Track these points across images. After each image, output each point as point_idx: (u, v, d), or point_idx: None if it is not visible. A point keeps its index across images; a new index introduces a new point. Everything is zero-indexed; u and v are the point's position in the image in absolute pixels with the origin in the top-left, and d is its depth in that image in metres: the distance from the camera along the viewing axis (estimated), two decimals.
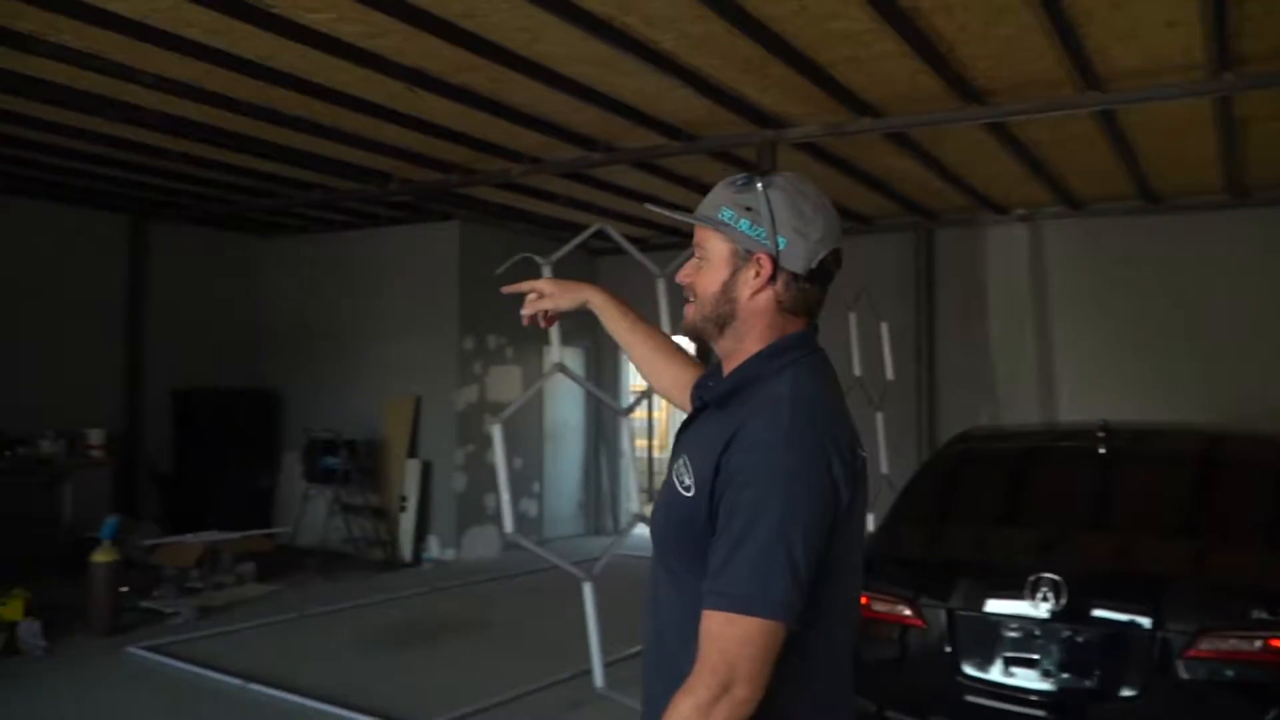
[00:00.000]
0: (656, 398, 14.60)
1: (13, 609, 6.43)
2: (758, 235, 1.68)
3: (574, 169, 7.82)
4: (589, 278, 12.01)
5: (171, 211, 10.07)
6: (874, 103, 6.28)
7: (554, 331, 5.02)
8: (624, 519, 11.24)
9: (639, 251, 6.00)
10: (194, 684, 5.83)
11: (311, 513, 10.00)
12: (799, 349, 1.71)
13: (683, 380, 2.04)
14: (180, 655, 6.27)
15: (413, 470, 10.15)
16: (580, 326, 11.94)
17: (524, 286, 2.16)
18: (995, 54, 5.41)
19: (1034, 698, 3.42)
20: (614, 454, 12.03)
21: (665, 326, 5.67)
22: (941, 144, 7.32)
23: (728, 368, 1.76)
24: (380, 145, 7.41)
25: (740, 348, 1.73)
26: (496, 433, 5.05)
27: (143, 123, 6.76)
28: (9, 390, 8.96)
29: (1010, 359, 9.57)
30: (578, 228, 5.52)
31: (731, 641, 1.51)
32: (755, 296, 1.69)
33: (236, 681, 5.75)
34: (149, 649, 6.40)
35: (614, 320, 2.15)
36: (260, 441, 10.98)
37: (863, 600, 3.64)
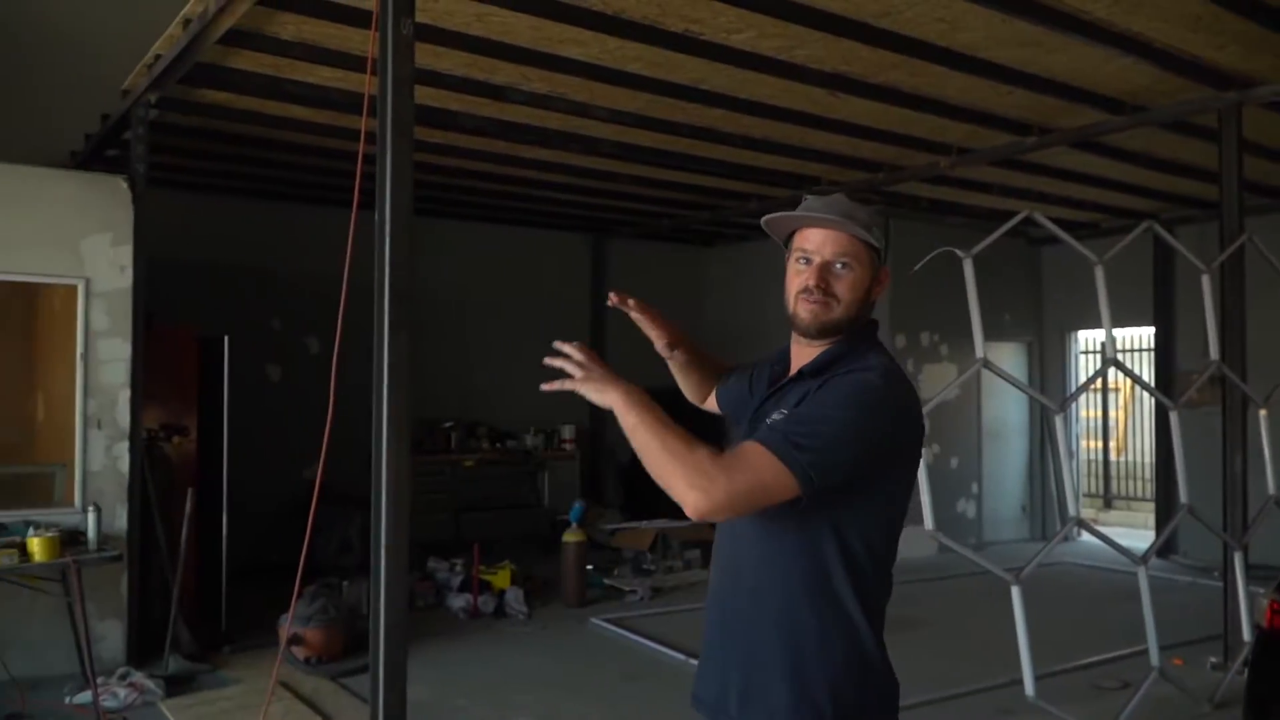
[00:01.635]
0: (1111, 394, 13.49)
1: (502, 578, 7.56)
2: (882, 253, 2.05)
3: (1006, 156, 7.51)
4: (1031, 268, 11.46)
5: (625, 229, 11.15)
6: None
7: (976, 325, 4.87)
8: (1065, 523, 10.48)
9: (1084, 237, 5.63)
10: (645, 656, 6.43)
11: None
12: (875, 337, 2.05)
13: (706, 389, 2.53)
14: (635, 629, 6.94)
15: None
16: (1020, 321, 11.38)
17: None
18: None
19: None
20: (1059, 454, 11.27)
21: (1105, 314, 5.25)
22: None
23: (815, 349, 2.02)
24: (807, 151, 7.66)
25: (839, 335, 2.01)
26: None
27: (599, 152, 7.59)
28: (501, 392, 10.49)
29: None
30: (1014, 217, 5.31)
31: (753, 465, 1.78)
32: (874, 301, 2.05)
33: (681, 657, 6.23)
34: (609, 621, 7.15)
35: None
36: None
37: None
